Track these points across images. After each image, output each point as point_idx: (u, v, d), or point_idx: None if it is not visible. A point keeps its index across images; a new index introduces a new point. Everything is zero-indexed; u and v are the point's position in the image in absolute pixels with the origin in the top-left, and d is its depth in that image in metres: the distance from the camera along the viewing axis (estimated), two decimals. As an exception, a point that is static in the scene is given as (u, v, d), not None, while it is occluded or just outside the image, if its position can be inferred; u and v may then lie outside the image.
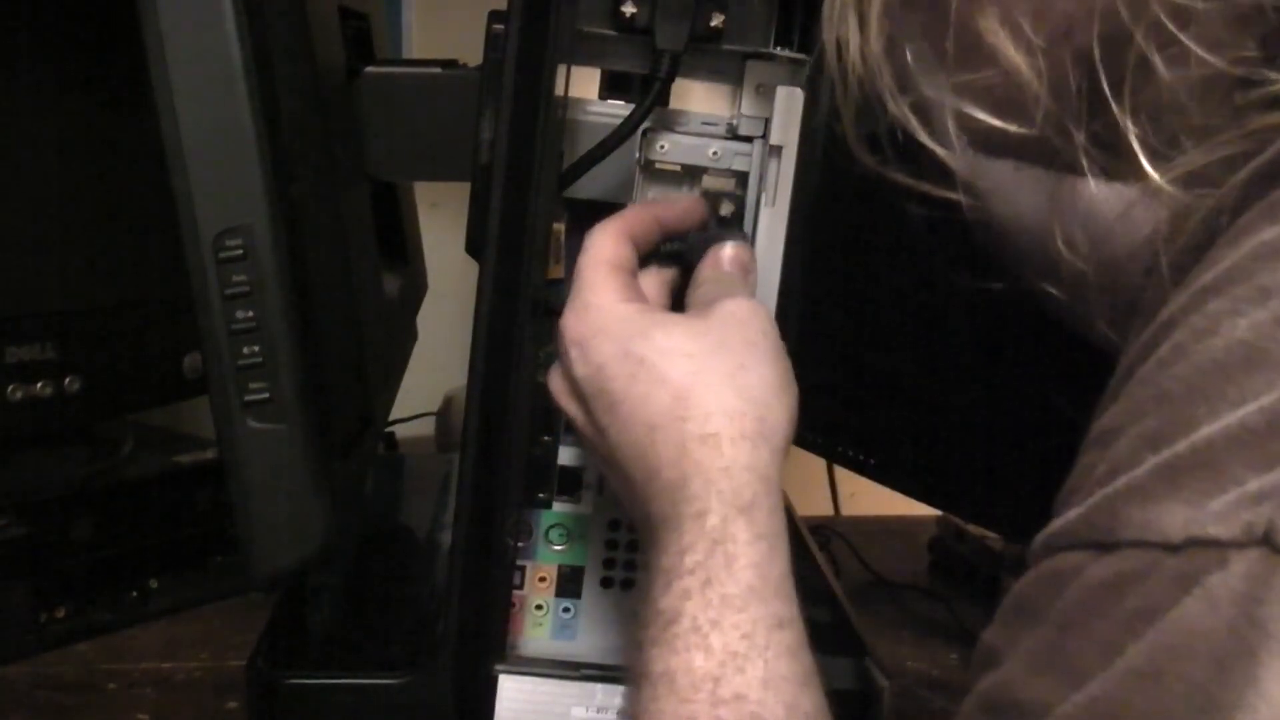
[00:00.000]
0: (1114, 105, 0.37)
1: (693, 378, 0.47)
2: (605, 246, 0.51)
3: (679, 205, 0.56)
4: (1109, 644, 0.30)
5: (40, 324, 0.75)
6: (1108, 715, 0.29)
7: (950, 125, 0.42)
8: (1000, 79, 0.39)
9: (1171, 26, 0.35)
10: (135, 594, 0.79)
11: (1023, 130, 0.41)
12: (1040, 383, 0.82)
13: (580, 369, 0.49)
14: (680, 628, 0.42)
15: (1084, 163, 0.40)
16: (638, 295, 0.51)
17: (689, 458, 0.46)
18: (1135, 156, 0.37)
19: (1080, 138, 0.39)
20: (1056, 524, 0.34)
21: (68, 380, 0.76)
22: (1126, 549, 0.30)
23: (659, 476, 0.46)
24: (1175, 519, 0.29)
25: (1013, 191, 0.58)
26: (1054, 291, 0.49)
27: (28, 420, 0.74)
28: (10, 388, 0.73)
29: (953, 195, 0.45)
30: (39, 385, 0.74)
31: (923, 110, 0.43)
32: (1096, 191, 0.41)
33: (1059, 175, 0.47)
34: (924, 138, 0.43)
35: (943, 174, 0.46)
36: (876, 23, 0.41)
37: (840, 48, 0.42)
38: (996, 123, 0.41)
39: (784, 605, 0.44)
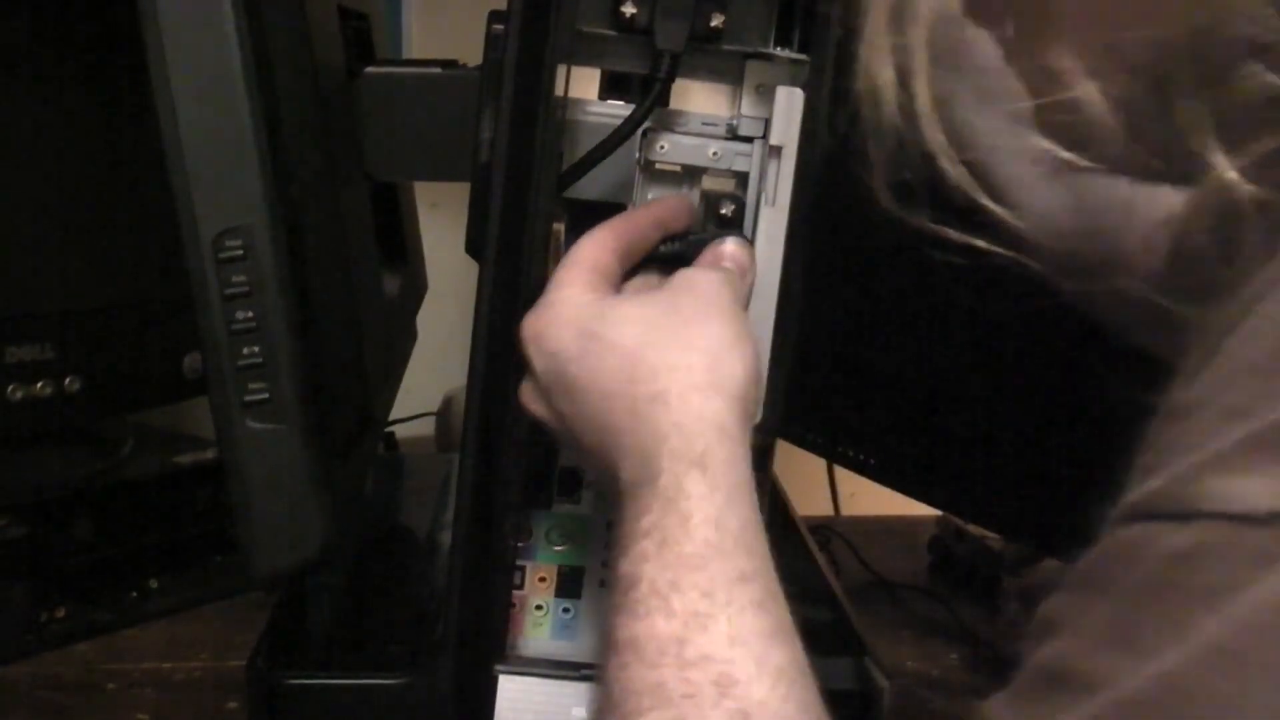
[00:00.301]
0: (1185, 121, 0.37)
1: (640, 340, 0.47)
2: (584, 251, 0.51)
3: (668, 203, 0.56)
4: (1182, 618, 0.29)
5: (40, 324, 0.75)
6: (1180, 692, 0.28)
7: (1014, 172, 0.42)
8: (1073, 111, 0.39)
9: (1248, 57, 0.35)
10: (135, 594, 0.79)
11: (1096, 164, 0.41)
12: (1040, 383, 0.82)
13: (539, 362, 0.49)
14: (640, 592, 0.42)
15: (1156, 173, 0.40)
16: (606, 290, 0.51)
17: (640, 419, 0.45)
18: (1207, 162, 0.36)
19: (1151, 156, 0.39)
20: (1132, 495, 0.33)
21: (68, 380, 0.76)
22: (1205, 521, 0.29)
23: (619, 444, 0.46)
24: (1260, 492, 0.28)
25: (1067, 225, 0.58)
26: (1142, 289, 0.49)
27: (28, 420, 0.74)
28: (10, 388, 0.73)
29: (999, 249, 0.45)
30: (39, 385, 0.74)
31: (981, 170, 0.43)
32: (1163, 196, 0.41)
33: (1128, 187, 0.48)
34: (985, 200, 0.42)
35: (985, 225, 0.46)
36: (924, 78, 0.41)
37: (876, 98, 0.42)
38: (1068, 155, 0.41)
39: (746, 559, 0.43)
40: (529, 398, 0.51)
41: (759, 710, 0.39)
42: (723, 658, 0.40)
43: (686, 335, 0.47)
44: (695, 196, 0.58)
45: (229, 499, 0.54)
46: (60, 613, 0.75)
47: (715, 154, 0.57)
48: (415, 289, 0.94)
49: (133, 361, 0.81)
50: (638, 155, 0.57)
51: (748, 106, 0.57)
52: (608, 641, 0.42)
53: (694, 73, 0.57)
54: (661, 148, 0.57)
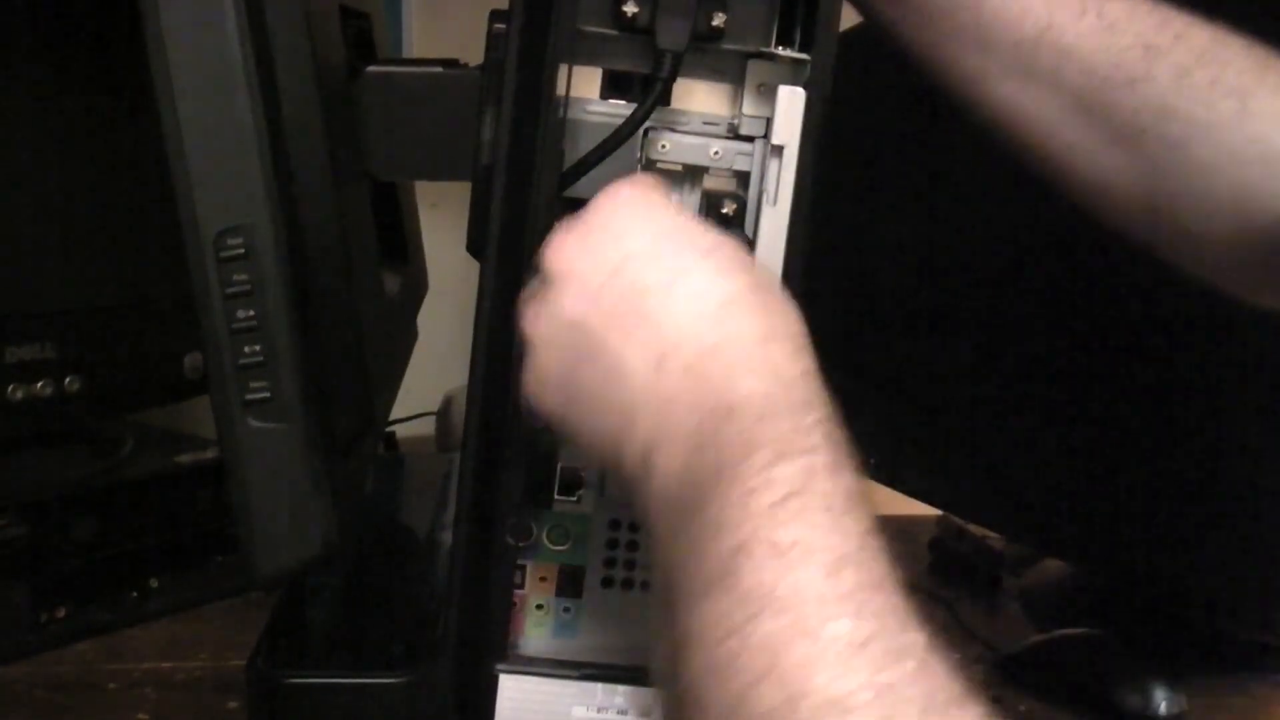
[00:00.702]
0: None
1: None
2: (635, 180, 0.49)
3: None
4: None
5: (40, 324, 0.75)
6: None
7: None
8: None
9: None
10: (135, 594, 0.79)
11: None
12: (1041, 383, 0.82)
13: (634, 224, 0.46)
14: (807, 503, 0.38)
15: None
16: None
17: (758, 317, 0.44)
18: None
19: None
20: None
21: (68, 380, 0.76)
22: None
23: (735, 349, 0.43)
24: None
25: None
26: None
27: (28, 420, 0.74)
28: (10, 388, 0.73)
29: None
30: (39, 385, 0.74)
31: None
32: None
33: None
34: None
35: None
36: None
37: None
38: None
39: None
40: (572, 249, 0.47)
41: (933, 650, 0.37)
42: (891, 589, 0.37)
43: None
44: (696, 196, 0.58)
45: (229, 499, 0.54)
46: (60, 613, 0.75)
47: (716, 153, 0.57)
48: (415, 289, 0.94)
49: (133, 361, 0.81)
50: (639, 155, 0.57)
51: (749, 106, 0.57)
52: (749, 541, 0.37)
53: (695, 72, 0.57)
54: (663, 147, 0.57)
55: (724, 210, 0.57)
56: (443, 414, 1.14)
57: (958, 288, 0.87)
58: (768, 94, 0.56)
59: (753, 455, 0.39)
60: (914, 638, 0.36)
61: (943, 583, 0.96)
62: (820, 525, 0.37)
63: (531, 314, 0.47)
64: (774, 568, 0.37)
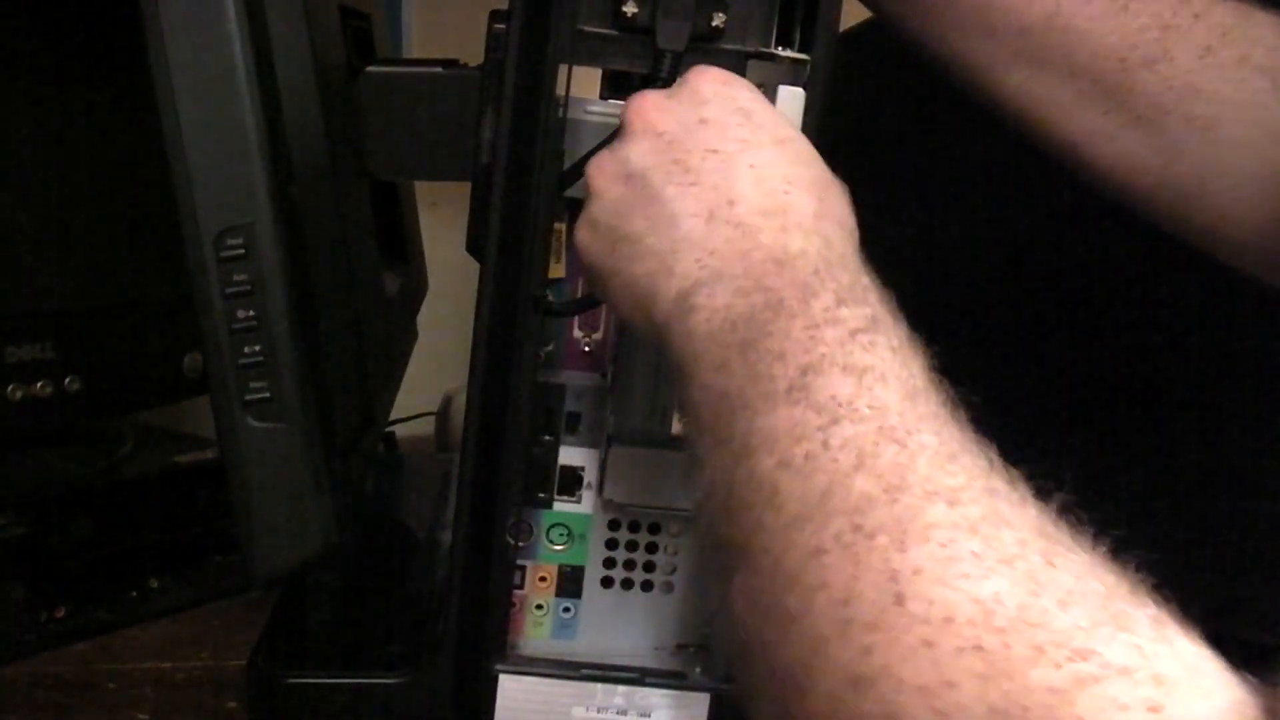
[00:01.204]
0: None
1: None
2: None
3: None
4: None
5: (40, 324, 0.75)
6: None
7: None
8: None
9: None
10: (135, 594, 0.79)
11: None
12: (1038, 383, 0.82)
13: (735, 89, 0.47)
14: (875, 339, 0.38)
15: None
16: None
17: (829, 204, 0.45)
18: None
19: None
20: None
21: (68, 380, 0.76)
22: None
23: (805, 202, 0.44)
24: None
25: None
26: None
27: (28, 420, 0.74)
28: (10, 388, 0.73)
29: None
30: (39, 385, 0.74)
31: None
32: None
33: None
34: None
35: None
36: None
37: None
38: None
39: None
40: (652, 108, 0.47)
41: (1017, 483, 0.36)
42: (963, 426, 0.38)
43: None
44: None
45: (229, 498, 0.54)
46: (60, 612, 0.75)
47: (716, 153, 0.57)
48: (415, 289, 0.94)
49: (133, 361, 0.81)
50: (639, 155, 0.57)
51: (749, 106, 0.57)
52: (817, 361, 0.37)
53: (695, 72, 0.57)
54: (662, 147, 0.57)
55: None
56: (442, 414, 1.14)
57: (958, 288, 0.87)
58: (768, 94, 0.56)
59: (813, 299, 0.39)
60: (996, 463, 0.36)
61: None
62: (890, 360, 0.38)
63: (599, 162, 0.48)
64: (849, 384, 0.36)
